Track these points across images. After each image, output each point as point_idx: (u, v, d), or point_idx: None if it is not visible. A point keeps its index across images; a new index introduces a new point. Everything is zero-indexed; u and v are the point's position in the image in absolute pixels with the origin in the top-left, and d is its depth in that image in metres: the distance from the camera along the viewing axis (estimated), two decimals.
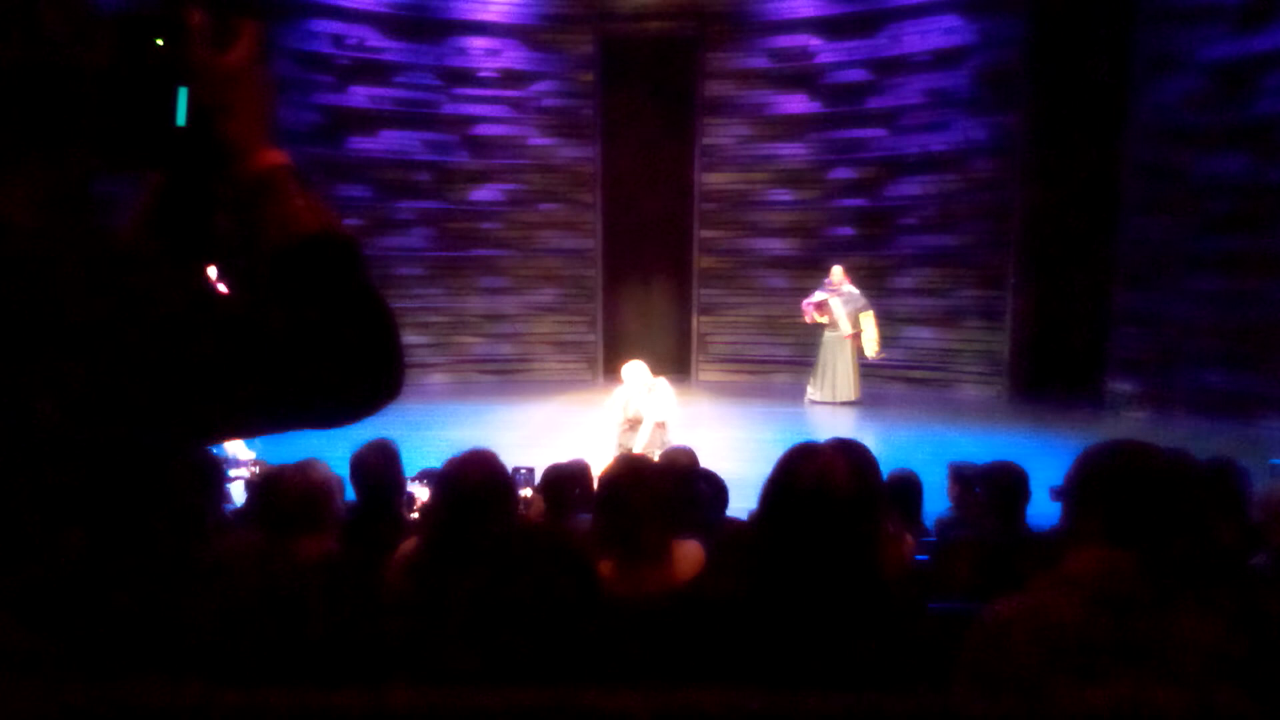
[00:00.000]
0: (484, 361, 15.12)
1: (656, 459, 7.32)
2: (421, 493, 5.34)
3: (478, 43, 14.84)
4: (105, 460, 0.95)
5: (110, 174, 1.12)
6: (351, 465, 3.96)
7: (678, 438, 7.66)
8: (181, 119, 1.10)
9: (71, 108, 1.04)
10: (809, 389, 13.00)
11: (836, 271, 12.83)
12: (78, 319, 0.94)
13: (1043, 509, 4.44)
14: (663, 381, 8.28)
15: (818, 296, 12.76)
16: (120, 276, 0.98)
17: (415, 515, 5.05)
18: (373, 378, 1.08)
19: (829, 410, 12.44)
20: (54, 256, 0.97)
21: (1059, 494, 2.10)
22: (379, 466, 3.97)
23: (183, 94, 1.09)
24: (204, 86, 1.10)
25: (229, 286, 1.15)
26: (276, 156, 1.13)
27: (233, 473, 6.42)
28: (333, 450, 3.90)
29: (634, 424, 8.14)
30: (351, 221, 13.27)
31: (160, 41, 1.09)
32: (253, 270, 1.11)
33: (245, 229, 1.12)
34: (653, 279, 15.75)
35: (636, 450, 7.81)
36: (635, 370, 8.19)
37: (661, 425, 8.02)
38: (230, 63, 1.11)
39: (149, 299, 0.98)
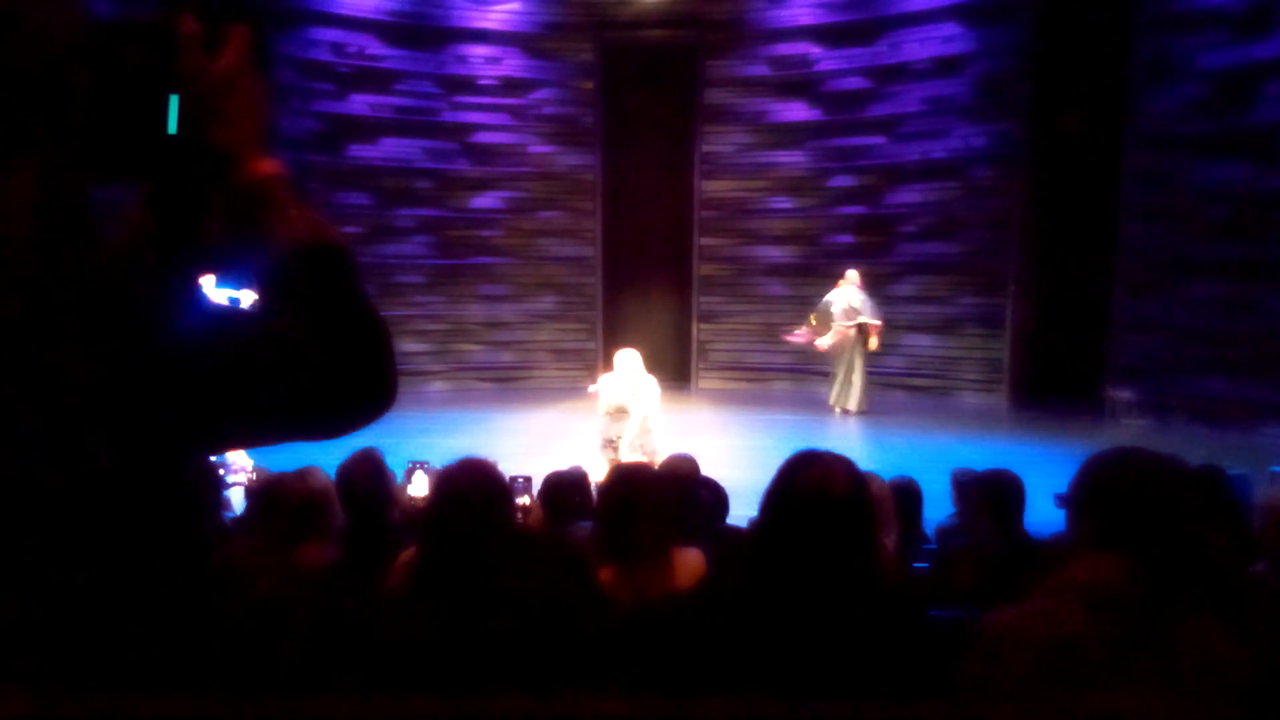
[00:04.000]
0: (484, 369, 15.11)
1: (642, 457, 7.38)
2: (418, 485, 5.33)
3: (478, 51, 14.86)
4: (98, 469, 0.95)
5: (101, 183, 1.11)
6: (338, 478, 3.92)
7: (672, 443, 7.67)
8: (172, 127, 1.09)
9: (61, 115, 1.03)
10: (841, 398, 12.52)
11: (854, 275, 12.64)
12: (72, 329, 0.94)
13: (1043, 516, 4.43)
14: (650, 379, 8.29)
15: (862, 313, 12.42)
16: (114, 286, 0.98)
17: (414, 497, 5.05)
18: (366, 388, 1.08)
19: (834, 418, 12.38)
20: (47, 265, 0.96)
21: (1063, 501, 2.10)
22: (366, 477, 3.94)
23: (173, 102, 1.09)
24: (194, 94, 1.10)
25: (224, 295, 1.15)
26: (269, 165, 1.12)
27: (231, 479, 6.42)
28: (326, 457, 3.89)
29: (616, 415, 8.16)
30: (351, 229, 13.28)
31: (150, 49, 1.08)
32: (246, 280, 1.10)
33: (238, 238, 1.12)
34: (653, 287, 15.75)
35: (623, 443, 7.86)
36: (626, 358, 8.21)
37: (645, 420, 8.04)
38: (220, 70, 1.11)
39: (143, 310, 0.98)
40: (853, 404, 12.42)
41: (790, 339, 12.84)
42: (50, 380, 0.93)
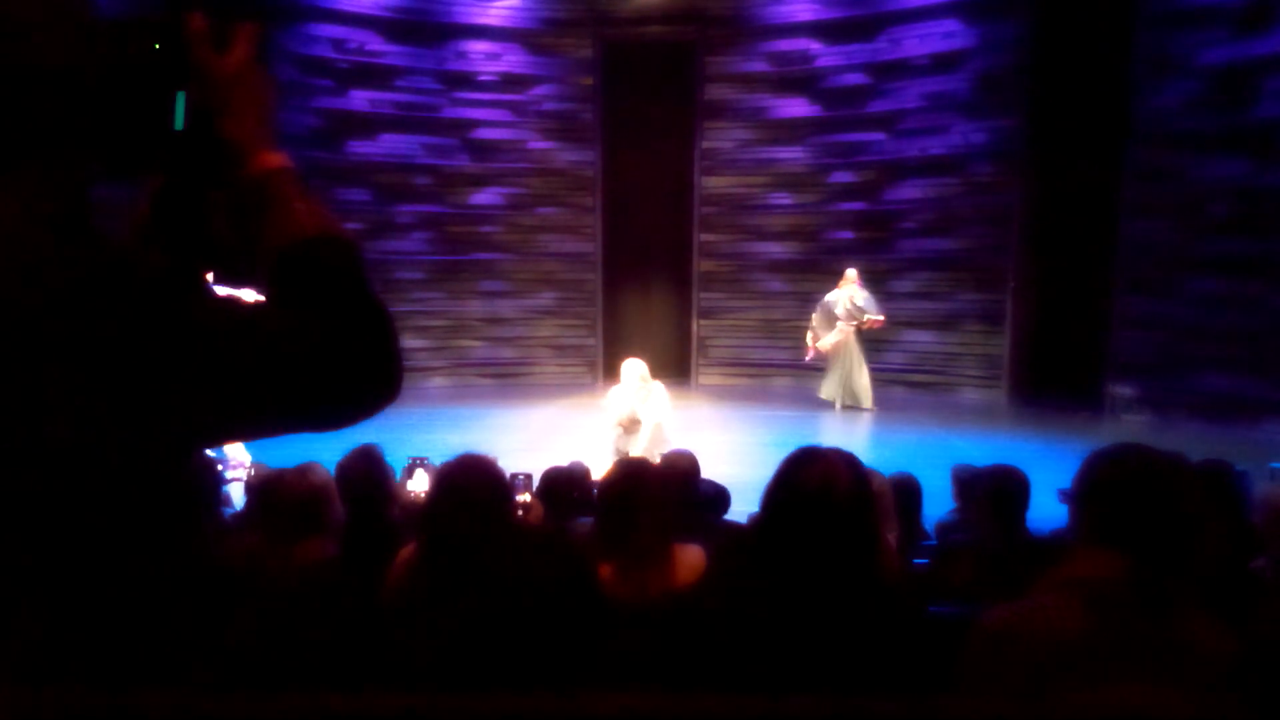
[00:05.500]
0: (484, 365, 15.11)
1: (656, 461, 7.35)
2: (419, 482, 5.32)
3: (478, 47, 14.85)
4: (106, 465, 0.95)
5: (110, 178, 1.11)
6: (337, 474, 3.90)
7: (676, 441, 7.66)
8: (180, 123, 1.10)
9: (70, 112, 1.04)
10: (847, 395, 12.55)
11: (853, 273, 12.68)
12: (79, 325, 0.94)
13: (1044, 513, 4.44)
14: (659, 385, 8.28)
15: (867, 311, 12.41)
16: (121, 282, 0.98)
17: (415, 494, 5.05)
18: (371, 380, 1.08)
19: (837, 415, 12.37)
20: (54, 262, 0.97)
21: (1067, 497, 2.10)
22: (365, 473, 3.93)
23: (181, 98, 1.09)
24: (202, 90, 1.10)
25: (228, 291, 1.15)
26: (277, 159, 1.13)
27: (230, 475, 6.42)
28: (326, 453, 3.89)
29: (629, 426, 8.13)
30: (351, 225, 13.25)
31: (158, 45, 1.09)
32: (253, 274, 1.11)
33: (245, 232, 1.12)
34: (652, 283, 15.74)
35: (635, 454, 7.81)
36: (632, 368, 8.19)
37: (659, 427, 8.03)
38: (228, 66, 1.11)
39: (150, 304, 0.98)
40: (866, 401, 12.42)
41: (811, 355, 12.77)
42: (56, 377, 0.93)
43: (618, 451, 8.04)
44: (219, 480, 5.33)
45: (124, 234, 1.19)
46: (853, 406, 12.44)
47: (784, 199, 15.02)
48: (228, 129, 1.11)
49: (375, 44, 14.30)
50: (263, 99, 1.14)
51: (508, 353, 15.29)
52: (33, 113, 1.01)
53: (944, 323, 13.92)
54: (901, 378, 13.96)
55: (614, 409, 8.24)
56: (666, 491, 3.01)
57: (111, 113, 1.07)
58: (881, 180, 14.42)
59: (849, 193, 14.65)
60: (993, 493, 4.11)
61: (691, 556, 2.94)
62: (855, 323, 12.39)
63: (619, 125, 15.22)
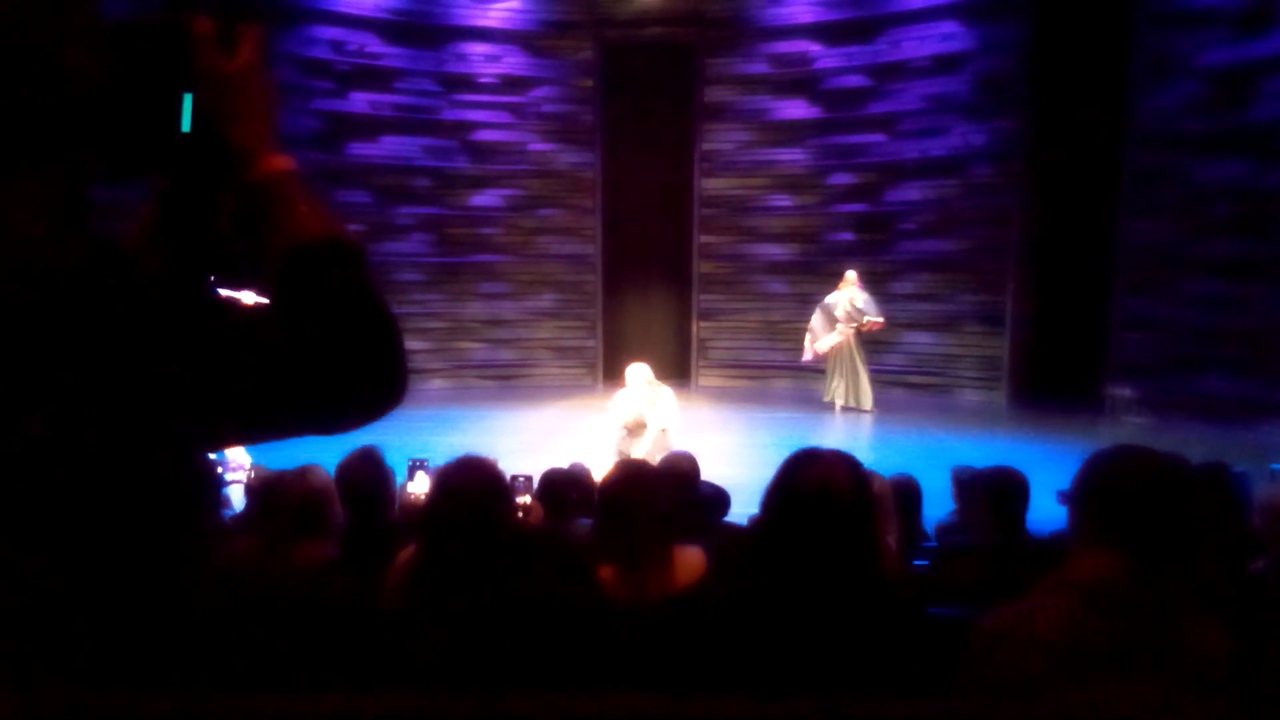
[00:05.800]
0: (484, 367, 15.11)
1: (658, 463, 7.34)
2: (419, 484, 5.31)
3: (478, 49, 14.86)
4: (108, 467, 0.95)
5: (115, 181, 1.12)
6: (337, 476, 3.89)
7: (679, 443, 7.66)
8: (186, 125, 1.10)
9: (75, 115, 1.04)
10: (850, 397, 12.54)
11: (852, 275, 12.70)
12: (83, 326, 0.94)
13: (1044, 514, 4.43)
14: (666, 389, 8.28)
15: (867, 313, 12.41)
16: (126, 284, 0.98)
17: (414, 495, 5.04)
18: (376, 384, 1.08)
19: (834, 415, 12.38)
20: (59, 264, 0.97)
21: (1066, 498, 2.10)
22: (366, 475, 3.92)
23: (187, 100, 1.10)
24: (208, 92, 1.10)
25: (230, 293, 1.15)
26: (281, 162, 1.13)
27: (229, 477, 6.41)
28: (326, 455, 3.88)
29: (634, 429, 8.13)
30: (352, 227, 13.17)
31: (164, 48, 1.09)
32: (258, 276, 1.11)
33: (250, 234, 1.12)
34: (652, 284, 15.75)
35: (638, 456, 7.80)
36: (638, 372, 8.19)
37: (664, 431, 8.03)
38: (233, 68, 1.12)
39: (154, 306, 0.98)
40: (866, 403, 12.42)
41: (809, 357, 12.77)
42: (60, 378, 0.93)
43: (620, 453, 8.03)
44: (219, 482, 5.32)
45: (131, 236, 1.19)
46: (853, 408, 12.44)
47: (784, 201, 15.02)
48: (233, 131, 1.11)
49: (375, 46, 14.31)
50: (268, 101, 1.15)
51: (508, 355, 15.30)
52: (38, 114, 1.01)
53: (944, 324, 13.92)
54: (901, 379, 13.96)
55: (619, 412, 8.23)
56: (666, 493, 3.01)
57: (118, 115, 1.07)
58: (881, 182, 14.43)
59: (849, 194, 14.66)
60: (992, 494, 4.11)
61: (691, 558, 2.94)
62: (855, 325, 12.38)
63: (619, 127, 15.23)
